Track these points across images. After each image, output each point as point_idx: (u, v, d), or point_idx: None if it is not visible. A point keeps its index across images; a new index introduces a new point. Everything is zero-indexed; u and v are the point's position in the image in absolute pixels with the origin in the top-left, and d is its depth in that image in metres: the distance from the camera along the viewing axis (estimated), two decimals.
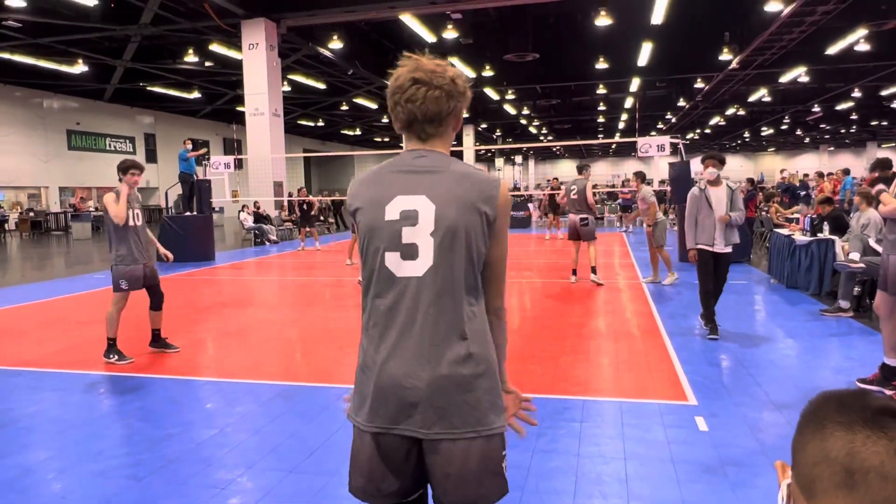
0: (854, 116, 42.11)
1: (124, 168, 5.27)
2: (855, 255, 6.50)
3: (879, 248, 6.55)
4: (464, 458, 1.45)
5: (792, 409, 3.92)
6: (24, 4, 15.23)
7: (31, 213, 25.17)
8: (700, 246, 5.63)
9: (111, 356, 5.25)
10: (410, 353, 1.48)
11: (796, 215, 11.41)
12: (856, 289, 6.57)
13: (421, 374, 1.46)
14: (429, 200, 1.48)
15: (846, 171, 17.01)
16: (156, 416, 4.03)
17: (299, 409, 4.11)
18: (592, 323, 6.48)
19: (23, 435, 3.78)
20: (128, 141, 31.66)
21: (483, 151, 57.82)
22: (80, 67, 22.54)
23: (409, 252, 1.48)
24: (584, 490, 2.91)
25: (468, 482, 1.46)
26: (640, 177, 9.22)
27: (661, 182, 13.55)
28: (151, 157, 33.04)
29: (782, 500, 0.83)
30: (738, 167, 63.09)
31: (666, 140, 11.34)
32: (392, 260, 1.49)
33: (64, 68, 22.46)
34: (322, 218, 23.30)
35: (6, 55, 20.86)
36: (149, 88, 26.98)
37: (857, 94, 31.83)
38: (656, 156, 11.72)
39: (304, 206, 15.50)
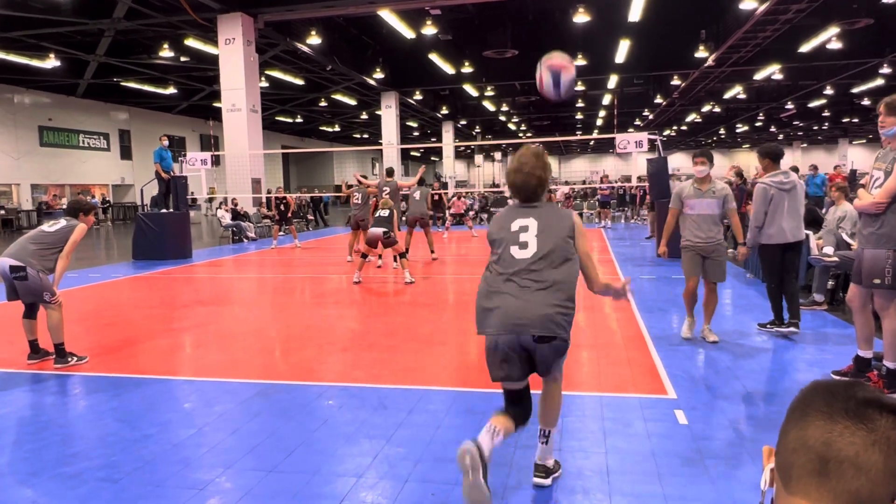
0: (826, 113, 42.92)
1: (88, 209, 5.43)
2: (829, 250, 6.61)
3: (853, 242, 6.68)
4: (553, 352, 2.68)
5: (769, 401, 3.97)
6: None
7: (2, 211, 24.61)
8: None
9: (70, 359, 5.12)
10: (522, 299, 2.63)
11: None
12: (829, 282, 6.69)
13: (529, 311, 2.60)
14: (534, 219, 2.76)
15: (813, 168, 17.55)
16: (132, 417, 3.95)
17: (278, 407, 4.06)
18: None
19: None
20: (102, 137, 31.07)
21: (462, 148, 57.87)
22: (51, 62, 22.02)
23: (524, 246, 2.71)
24: (566, 485, 2.92)
25: (555, 362, 2.76)
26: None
27: (640, 178, 13.64)
28: (126, 153, 32.50)
29: (764, 483, 0.84)
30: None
31: (644, 136, 11.43)
32: (514, 250, 2.72)
33: (35, 63, 21.96)
34: (301, 215, 23.12)
35: None
36: (123, 84, 26.51)
37: (829, 91, 32.43)
38: (634, 152, 11.81)
39: (282, 206, 15.37)
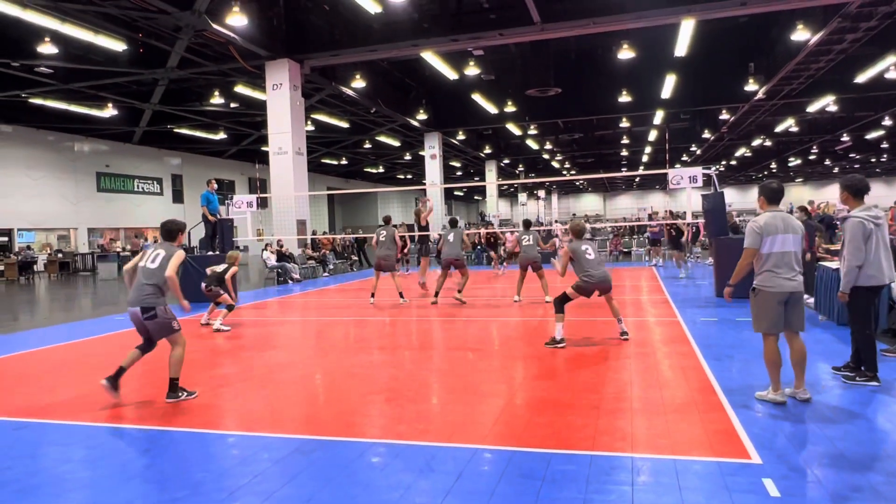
0: (885, 145, 41.24)
1: (184, 229, 5.67)
2: None
3: None
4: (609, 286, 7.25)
5: (874, 468, 3.44)
6: (55, 51, 15.58)
7: (60, 255, 25.45)
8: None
9: (181, 394, 5.26)
10: (598, 272, 7.06)
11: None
12: None
13: (604, 276, 7.15)
14: (588, 246, 7.30)
15: None
16: (163, 477, 3.70)
17: (316, 467, 3.74)
18: (633, 366, 6.04)
19: (15, 499, 3.47)
20: (155, 182, 32.14)
21: (505, 187, 57.78)
22: (109, 111, 23.03)
23: (590, 254, 7.12)
24: None
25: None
26: None
27: (694, 215, 13.08)
28: (178, 197, 33.49)
29: None
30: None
31: (698, 171, 10.95)
32: (588, 255, 7.08)
33: (94, 112, 22.97)
34: (345, 256, 23.14)
35: (39, 100, 21.40)
36: (176, 130, 27.46)
37: (887, 122, 31.14)
38: (689, 187, 11.31)
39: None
